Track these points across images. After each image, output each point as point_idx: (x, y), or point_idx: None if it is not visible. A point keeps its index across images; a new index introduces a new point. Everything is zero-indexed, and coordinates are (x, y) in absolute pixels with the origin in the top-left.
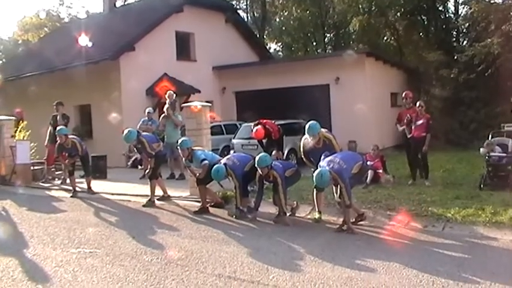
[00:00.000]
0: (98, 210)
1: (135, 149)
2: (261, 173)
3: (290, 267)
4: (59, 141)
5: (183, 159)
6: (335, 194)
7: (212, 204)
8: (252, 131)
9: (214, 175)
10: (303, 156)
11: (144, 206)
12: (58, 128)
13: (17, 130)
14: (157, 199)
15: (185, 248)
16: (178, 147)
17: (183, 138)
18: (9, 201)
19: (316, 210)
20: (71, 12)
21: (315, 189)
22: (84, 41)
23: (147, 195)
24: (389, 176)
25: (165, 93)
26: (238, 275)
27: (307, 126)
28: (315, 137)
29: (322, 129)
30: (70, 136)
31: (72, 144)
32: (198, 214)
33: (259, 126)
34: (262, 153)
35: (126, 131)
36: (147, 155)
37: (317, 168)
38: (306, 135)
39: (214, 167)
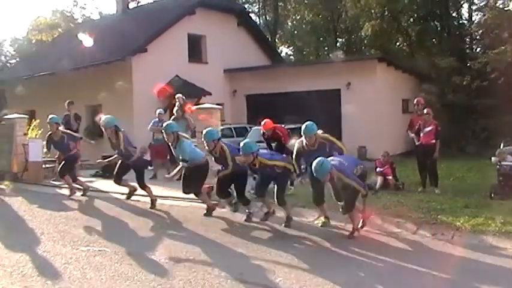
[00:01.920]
0: (108, 209)
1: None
2: (244, 160)
3: (297, 270)
4: (49, 131)
5: (171, 144)
6: (333, 196)
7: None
8: (261, 126)
9: None
10: (293, 158)
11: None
12: (50, 116)
13: (29, 128)
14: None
15: (193, 249)
16: (163, 131)
17: (167, 122)
18: (20, 198)
19: (324, 215)
20: (84, 13)
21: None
22: (88, 42)
23: (155, 196)
24: (398, 183)
25: (162, 95)
26: (246, 277)
27: (303, 127)
28: (311, 139)
29: (319, 131)
30: (61, 128)
31: (60, 138)
32: (208, 215)
33: (268, 119)
34: (247, 140)
35: (103, 117)
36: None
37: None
38: (302, 137)
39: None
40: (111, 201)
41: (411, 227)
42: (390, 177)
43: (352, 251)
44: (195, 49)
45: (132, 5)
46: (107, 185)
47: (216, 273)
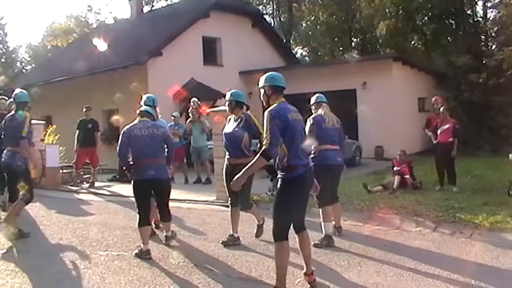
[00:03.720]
0: (126, 213)
1: None
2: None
3: (316, 272)
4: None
5: None
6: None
7: None
8: None
9: None
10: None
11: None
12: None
13: (46, 134)
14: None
15: (212, 252)
16: None
17: None
18: (38, 204)
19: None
20: (99, 18)
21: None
22: (102, 46)
23: (172, 199)
24: (416, 182)
25: (177, 98)
26: (265, 279)
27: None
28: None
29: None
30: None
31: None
32: None
33: None
34: None
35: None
36: None
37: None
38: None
39: None
40: (129, 206)
41: (430, 226)
42: (408, 176)
43: (371, 250)
44: (210, 52)
45: (146, 9)
46: (124, 189)
47: (235, 275)
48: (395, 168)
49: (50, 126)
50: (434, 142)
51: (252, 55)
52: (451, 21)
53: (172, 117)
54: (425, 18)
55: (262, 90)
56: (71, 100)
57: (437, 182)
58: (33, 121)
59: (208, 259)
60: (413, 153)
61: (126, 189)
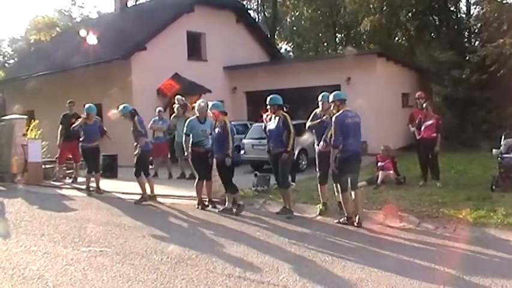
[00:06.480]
0: (109, 209)
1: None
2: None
3: (300, 267)
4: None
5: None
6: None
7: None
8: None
9: None
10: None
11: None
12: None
13: (28, 129)
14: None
15: (195, 248)
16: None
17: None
18: (20, 200)
19: (321, 202)
20: (82, 12)
21: (319, 184)
22: (92, 39)
23: (157, 195)
24: (399, 177)
25: (170, 91)
26: (248, 275)
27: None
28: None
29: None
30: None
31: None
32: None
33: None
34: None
35: (121, 106)
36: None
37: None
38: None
39: None
40: (112, 201)
41: (414, 221)
42: (391, 172)
43: (355, 246)
44: (195, 47)
45: (130, 4)
46: (107, 184)
47: (219, 271)
48: (379, 164)
49: (32, 120)
50: (418, 137)
51: (236, 50)
52: (434, 17)
53: (158, 112)
54: (409, 14)
55: (333, 104)
56: (54, 95)
57: (421, 178)
58: (14, 116)
59: (191, 255)
60: (397, 149)
61: (109, 185)
